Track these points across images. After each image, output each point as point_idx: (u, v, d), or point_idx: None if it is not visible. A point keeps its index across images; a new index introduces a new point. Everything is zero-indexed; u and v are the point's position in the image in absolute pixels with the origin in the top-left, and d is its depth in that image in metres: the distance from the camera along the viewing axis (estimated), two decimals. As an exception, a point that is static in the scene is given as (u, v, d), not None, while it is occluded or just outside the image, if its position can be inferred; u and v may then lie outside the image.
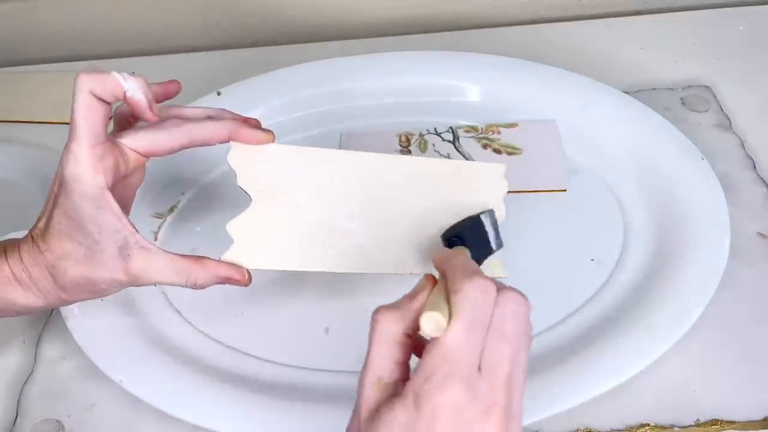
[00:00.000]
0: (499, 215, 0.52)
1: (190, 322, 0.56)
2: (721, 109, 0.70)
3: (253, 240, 0.50)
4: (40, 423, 0.52)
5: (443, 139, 0.68)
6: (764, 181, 0.63)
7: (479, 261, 0.47)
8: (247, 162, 0.49)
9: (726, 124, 0.68)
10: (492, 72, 0.71)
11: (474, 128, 0.68)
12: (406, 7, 0.86)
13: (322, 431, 0.49)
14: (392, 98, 0.71)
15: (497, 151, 0.66)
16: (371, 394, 0.37)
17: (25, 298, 0.48)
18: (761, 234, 0.60)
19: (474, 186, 0.52)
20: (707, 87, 0.72)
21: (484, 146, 0.67)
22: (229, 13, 0.86)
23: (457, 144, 0.67)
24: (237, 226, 0.50)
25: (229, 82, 0.71)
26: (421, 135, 0.68)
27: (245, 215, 0.50)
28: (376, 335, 0.39)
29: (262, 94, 0.71)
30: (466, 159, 0.66)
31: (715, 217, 0.57)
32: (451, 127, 0.68)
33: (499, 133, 0.68)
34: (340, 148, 0.68)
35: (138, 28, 0.86)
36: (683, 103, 0.71)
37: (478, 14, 0.86)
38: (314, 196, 0.50)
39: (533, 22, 0.85)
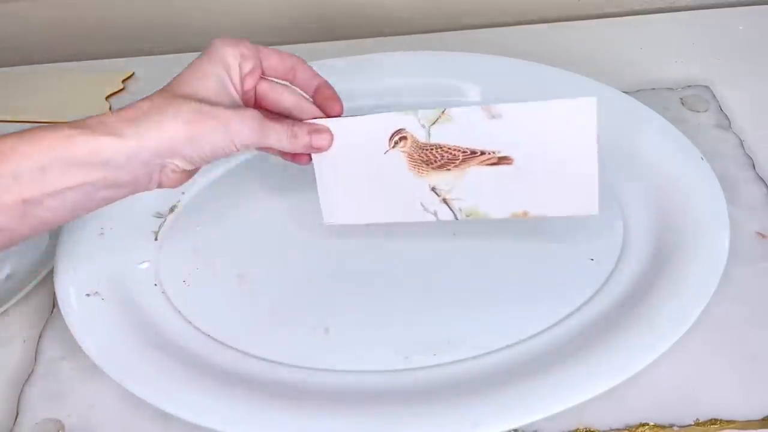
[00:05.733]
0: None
1: (190, 322, 0.56)
2: (721, 109, 0.70)
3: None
4: (40, 423, 0.52)
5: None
6: (764, 181, 0.63)
7: None
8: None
9: (725, 124, 0.68)
10: (492, 72, 0.71)
11: None
12: (406, 7, 0.86)
13: (322, 431, 0.49)
14: (392, 98, 0.71)
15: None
16: None
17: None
18: (761, 234, 0.60)
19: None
20: (707, 87, 0.72)
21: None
22: (230, 13, 0.86)
23: None
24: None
25: (229, 82, 0.71)
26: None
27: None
28: None
29: (262, 94, 0.71)
30: None
31: (715, 217, 0.57)
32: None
33: None
34: None
35: (138, 28, 0.87)
36: (683, 103, 0.71)
37: (478, 14, 0.86)
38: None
39: (533, 22, 0.85)
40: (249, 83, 0.52)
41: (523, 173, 0.52)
